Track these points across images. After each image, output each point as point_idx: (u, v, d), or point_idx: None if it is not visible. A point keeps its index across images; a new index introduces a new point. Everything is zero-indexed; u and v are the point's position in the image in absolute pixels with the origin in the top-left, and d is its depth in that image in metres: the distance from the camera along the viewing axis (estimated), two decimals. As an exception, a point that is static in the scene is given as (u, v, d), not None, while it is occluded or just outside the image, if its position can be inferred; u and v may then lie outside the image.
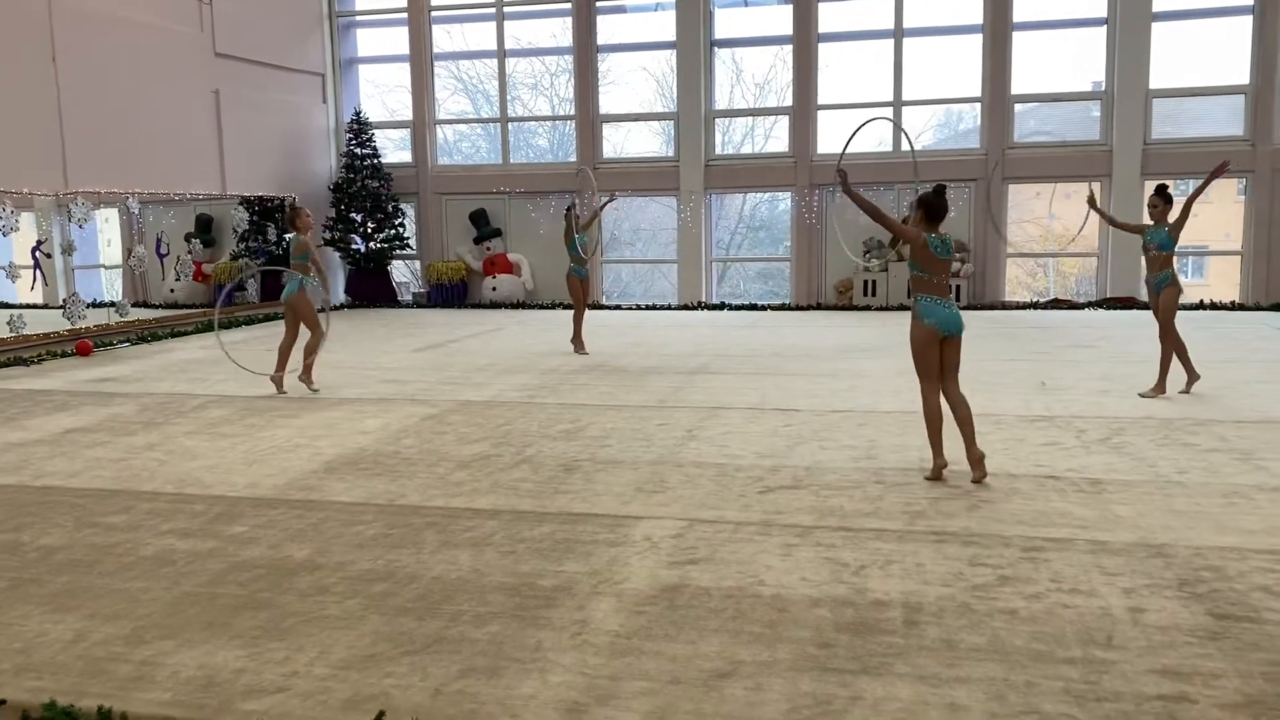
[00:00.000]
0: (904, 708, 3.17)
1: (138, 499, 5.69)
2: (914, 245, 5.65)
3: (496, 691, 3.33)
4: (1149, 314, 13.90)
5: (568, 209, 11.42)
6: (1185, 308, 14.79)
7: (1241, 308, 14.73)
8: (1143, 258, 8.36)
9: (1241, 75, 14.94)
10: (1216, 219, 23.17)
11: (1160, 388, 8.10)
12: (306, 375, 8.95)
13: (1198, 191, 7.96)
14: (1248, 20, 14.83)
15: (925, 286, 5.69)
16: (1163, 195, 8.10)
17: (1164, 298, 8.04)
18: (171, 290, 17.00)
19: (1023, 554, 4.52)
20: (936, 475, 5.76)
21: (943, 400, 5.79)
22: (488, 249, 17.64)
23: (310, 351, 8.98)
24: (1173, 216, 8.04)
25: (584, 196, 15.31)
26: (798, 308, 16.19)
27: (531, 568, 4.46)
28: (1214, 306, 14.79)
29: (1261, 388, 8.39)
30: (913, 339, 5.76)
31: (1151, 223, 8.14)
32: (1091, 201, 8.47)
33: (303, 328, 8.93)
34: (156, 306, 16.39)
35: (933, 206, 5.66)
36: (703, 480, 5.85)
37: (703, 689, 3.31)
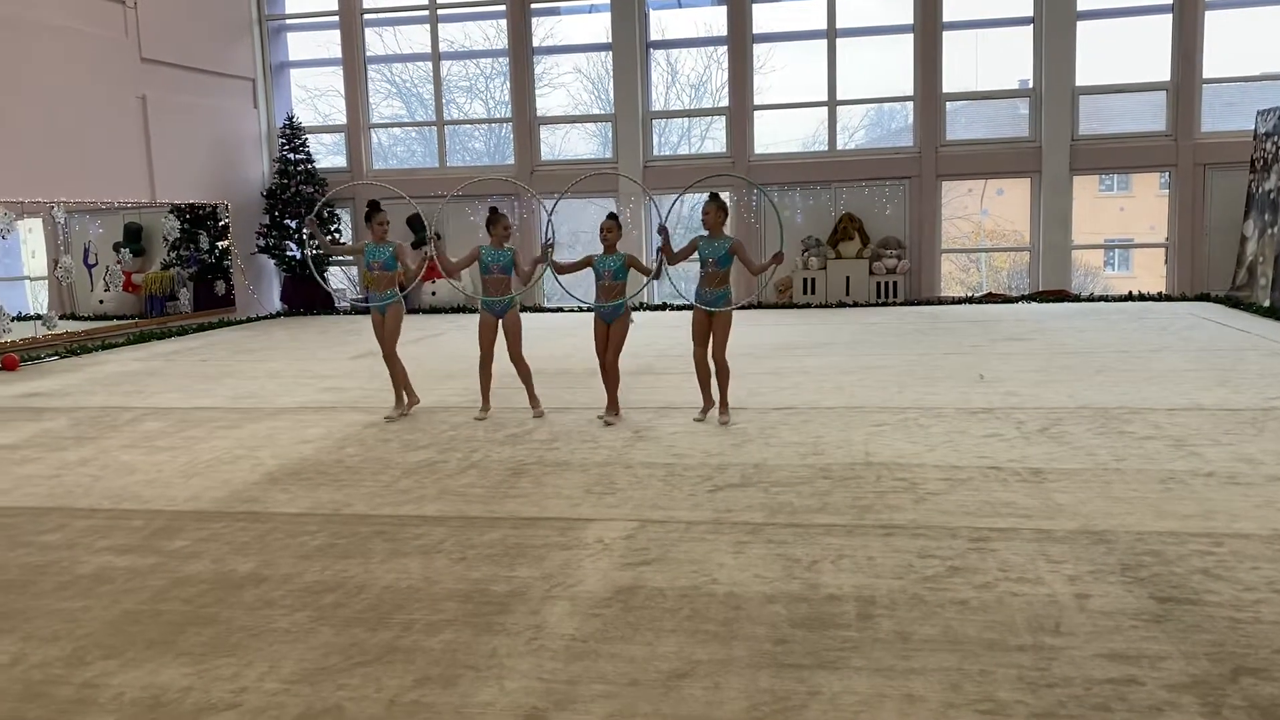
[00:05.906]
0: (861, 701, 3.19)
1: (72, 516, 5.53)
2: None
3: (453, 700, 3.29)
4: (1080, 306, 14.36)
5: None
6: (1115, 298, 15.21)
7: (1168, 298, 15.12)
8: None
9: (1163, 72, 15.35)
10: (1141, 212, 23.78)
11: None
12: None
13: (757, 269, 7.62)
14: (1168, 19, 15.25)
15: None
16: (717, 202, 7.26)
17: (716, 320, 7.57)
18: (101, 301, 16.54)
19: (970, 544, 4.59)
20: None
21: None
22: (427, 254, 17.43)
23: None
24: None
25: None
26: (739, 307, 16.16)
27: (483, 574, 4.42)
28: (1141, 297, 15.16)
29: (1191, 375, 8.62)
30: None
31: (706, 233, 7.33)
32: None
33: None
34: (85, 318, 15.94)
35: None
36: (652, 481, 5.85)
37: (661, 690, 3.31)
